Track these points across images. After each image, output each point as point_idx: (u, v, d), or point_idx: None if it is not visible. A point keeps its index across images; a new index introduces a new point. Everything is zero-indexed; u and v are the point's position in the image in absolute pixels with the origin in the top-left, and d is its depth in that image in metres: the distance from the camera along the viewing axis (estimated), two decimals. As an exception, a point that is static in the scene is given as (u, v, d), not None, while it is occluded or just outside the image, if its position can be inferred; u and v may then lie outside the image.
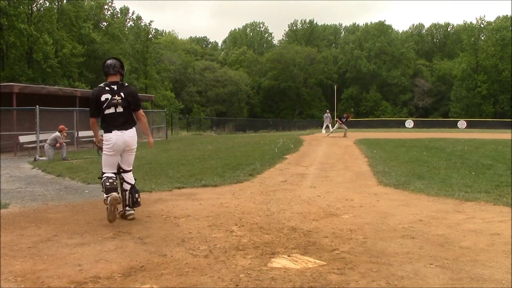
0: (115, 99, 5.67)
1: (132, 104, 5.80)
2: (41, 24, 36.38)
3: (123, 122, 5.72)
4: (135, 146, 5.93)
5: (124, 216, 5.84)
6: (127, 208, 5.82)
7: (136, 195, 5.82)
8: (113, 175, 5.77)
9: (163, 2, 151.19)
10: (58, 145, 15.73)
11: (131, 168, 6.01)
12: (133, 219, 5.78)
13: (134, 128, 5.86)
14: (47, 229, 5.41)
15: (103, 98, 5.67)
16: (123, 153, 5.84)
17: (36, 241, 4.85)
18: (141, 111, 5.97)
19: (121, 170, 5.90)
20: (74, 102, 22.03)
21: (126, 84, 5.91)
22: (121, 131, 5.69)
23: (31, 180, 10.21)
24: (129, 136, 5.78)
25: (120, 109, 5.70)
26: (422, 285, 3.56)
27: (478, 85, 68.28)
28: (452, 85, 73.05)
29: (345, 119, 28.63)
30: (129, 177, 5.91)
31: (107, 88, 5.73)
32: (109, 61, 5.87)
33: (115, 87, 5.74)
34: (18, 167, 13.16)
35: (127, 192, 5.81)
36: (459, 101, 70.64)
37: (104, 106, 5.66)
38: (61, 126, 16.26)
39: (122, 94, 5.72)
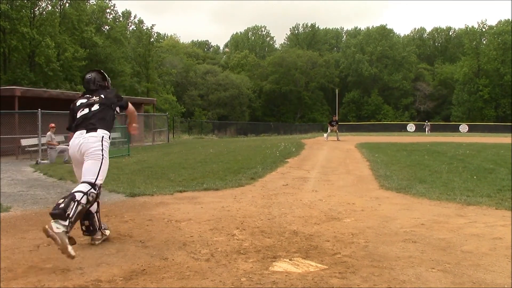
0: (92, 99, 4.88)
1: (113, 105, 4.96)
2: (43, 28, 36.49)
3: (89, 122, 4.70)
4: (93, 148, 4.57)
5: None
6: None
7: (61, 200, 4.18)
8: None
9: (165, 6, 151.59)
10: (55, 143, 15.89)
11: (90, 178, 4.49)
12: (44, 231, 4.02)
13: (100, 132, 4.68)
14: (48, 232, 5.40)
15: (78, 103, 4.92)
16: (83, 157, 4.62)
17: (38, 244, 4.85)
18: (130, 106, 5.18)
19: None
20: (76, 105, 22.05)
21: (108, 89, 5.14)
22: (80, 133, 4.68)
23: (33, 184, 10.23)
24: (86, 137, 4.64)
25: (95, 107, 4.81)
26: (424, 289, 3.55)
27: (479, 89, 68.28)
28: (454, 89, 73.07)
29: (335, 122, 29.88)
30: (78, 187, 4.41)
31: (85, 95, 5.01)
32: (87, 76, 5.07)
33: (94, 92, 4.98)
34: (20, 171, 13.18)
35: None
36: (461, 105, 70.64)
37: (78, 110, 4.85)
38: (51, 124, 16.32)
39: (101, 95, 4.93)
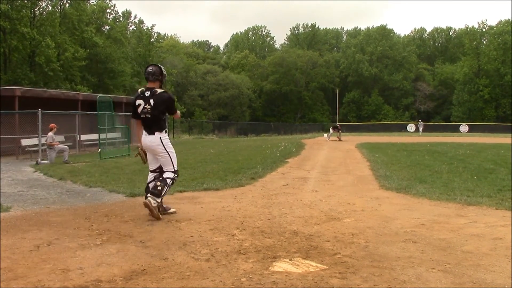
0: (145, 107, 6.08)
1: (165, 111, 6.25)
2: (43, 28, 36.50)
3: (148, 127, 6.15)
4: (159, 150, 6.16)
5: None
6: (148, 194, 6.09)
7: (159, 183, 6.06)
8: (153, 175, 6.35)
9: (165, 6, 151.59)
10: (55, 143, 15.85)
11: (171, 169, 6.23)
12: (145, 205, 5.94)
13: (157, 134, 6.14)
14: (48, 232, 5.41)
15: (137, 103, 6.16)
16: (154, 155, 6.26)
17: (38, 244, 4.85)
18: (178, 113, 6.59)
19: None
20: (76, 105, 22.08)
21: (160, 91, 6.15)
22: (145, 134, 6.19)
23: (33, 184, 10.22)
24: (150, 141, 6.13)
25: (148, 116, 6.09)
26: (424, 289, 3.55)
27: (480, 89, 68.31)
28: (454, 89, 73.13)
29: (337, 129, 33.37)
30: (165, 175, 6.21)
31: (141, 94, 6.17)
32: (149, 68, 6.24)
33: (148, 94, 6.10)
34: (20, 171, 13.18)
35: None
36: (461, 105, 70.67)
37: (139, 111, 6.14)
38: (52, 124, 16.26)
39: (152, 101, 6.07)
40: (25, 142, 18.08)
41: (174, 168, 6.25)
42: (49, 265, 4.14)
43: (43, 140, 16.65)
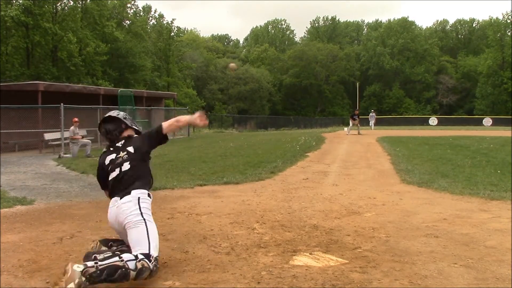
0: (120, 156, 4.09)
1: (147, 150, 4.22)
2: (65, 23, 36.93)
3: (127, 184, 3.93)
4: (130, 216, 3.73)
5: None
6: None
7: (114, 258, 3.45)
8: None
9: (185, 1, 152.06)
10: (78, 137, 16.03)
11: (137, 247, 3.61)
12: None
13: (137, 192, 3.87)
14: (71, 225, 5.49)
15: (107, 161, 4.16)
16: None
17: (61, 237, 4.93)
18: (163, 125, 4.23)
19: None
20: (97, 99, 22.29)
21: (136, 136, 4.30)
22: (116, 198, 3.90)
23: (56, 177, 10.38)
24: (123, 202, 3.80)
25: (126, 167, 4.01)
26: (446, 284, 3.51)
27: (504, 82, 66.94)
28: (477, 82, 71.83)
29: (356, 116, 29.81)
30: (126, 256, 3.45)
31: (111, 148, 4.24)
32: (108, 127, 4.30)
33: (121, 143, 4.21)
34: (43, 164, 13.39)
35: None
36: (485, 98, 69.43)
37: (109, 170, 4.10)
38: (74, 119, 16.43)
39: (129, 149, 4.13)
40: (48, 136, 18.34)
41: (149, 247, 3.61)
42: (72, 257, 4.21)
43: (65, 134, 16.89)
